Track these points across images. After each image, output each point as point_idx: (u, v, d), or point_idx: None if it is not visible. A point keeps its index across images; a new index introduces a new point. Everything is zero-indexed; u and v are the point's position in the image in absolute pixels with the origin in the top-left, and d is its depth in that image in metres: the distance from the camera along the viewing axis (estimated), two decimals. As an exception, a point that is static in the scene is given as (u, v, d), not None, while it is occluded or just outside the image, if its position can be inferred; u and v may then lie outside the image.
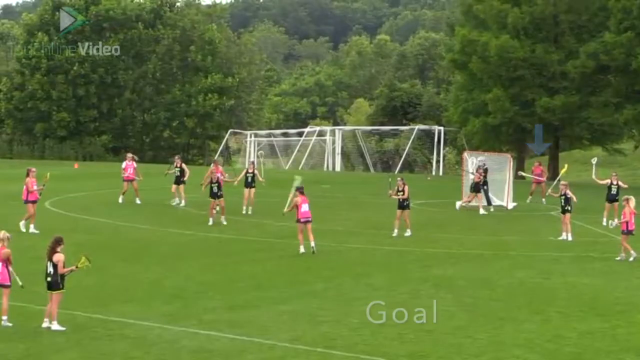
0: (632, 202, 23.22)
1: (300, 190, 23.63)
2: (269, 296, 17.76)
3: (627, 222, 22.95)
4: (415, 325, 15.36)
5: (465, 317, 16.15)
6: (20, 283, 15.18)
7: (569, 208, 26.28)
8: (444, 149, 69.50)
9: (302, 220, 23.23)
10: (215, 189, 29.01)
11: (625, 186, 30.93)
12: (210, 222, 28.72)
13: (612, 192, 29.89)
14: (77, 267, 14.99)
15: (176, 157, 35.28)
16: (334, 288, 18.78)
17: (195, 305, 16.77)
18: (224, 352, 13.57)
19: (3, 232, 15.17)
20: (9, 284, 15.00)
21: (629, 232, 23.14)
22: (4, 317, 14.85)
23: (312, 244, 23.23)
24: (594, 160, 35.50)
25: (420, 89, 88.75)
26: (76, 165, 61.54)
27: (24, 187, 26.16)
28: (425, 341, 14.35)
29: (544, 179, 39.21)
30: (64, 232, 25.65)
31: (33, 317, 15.47)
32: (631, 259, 22.98)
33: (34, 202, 26.19)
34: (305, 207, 23.26)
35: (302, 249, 23.23)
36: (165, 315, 15.84)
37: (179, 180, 33.22)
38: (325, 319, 15.78)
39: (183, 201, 33.16)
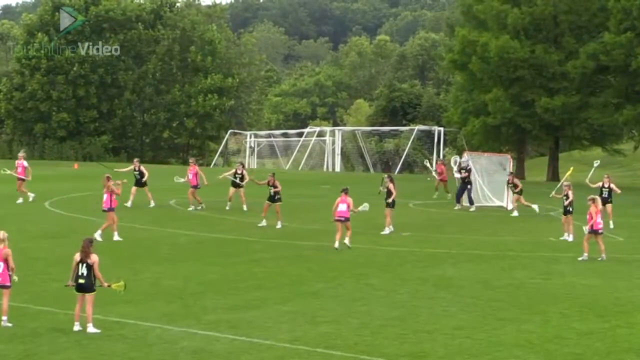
0: (598, 201, 23.29)
1: (344, 190, 24.65)
2: (269, 296, 17.75)
3: (592, 222, 23.07)
4: (415, 325, 15.37)
5: (465, 317, 16.15)
6: (15, 278, 15.09)
7: (571, 209, 26.32)
8: (443, 149, 69.52)
9: (335, 218, 24.28)
10: (272, 193, 28.88)
11: (618, 191, 30.93)
12: (264, 223, 28.73)
13: (604, 195, 30.21)
14: (109, 285, 14.88)
15: (135, 160, 35.44)
16: (334, 288, 18.78)
17: (195, 306, 16.76)
18: (224, 353, 13.55)
19: (2, 232, 15.12)
20: (9, 284, 14.96)
21: (594, 232, 23.24)
22: (4, 318, 14.82)
23: (346, 240, 24.17)
24: (596, 163, 35.60)
25: (420, 90, 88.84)
26: (76, 166, 61.57)
27: (107, 195, 24.94)
28: (425, 341, 14.35)
29: (443, 177, 39.86)
30: (64, 232, 25.80)
31: (33, 317, 15.46)
32: (581, 257, 23.14)
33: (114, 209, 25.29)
34: (341, 207, 24.25)
35: (336, 244, 24.03)
36: (165, 316, 15.82)
37: (139, 183, 33.36)
38: (325, 319, 15.78)
39: (152, 202, 33.21)
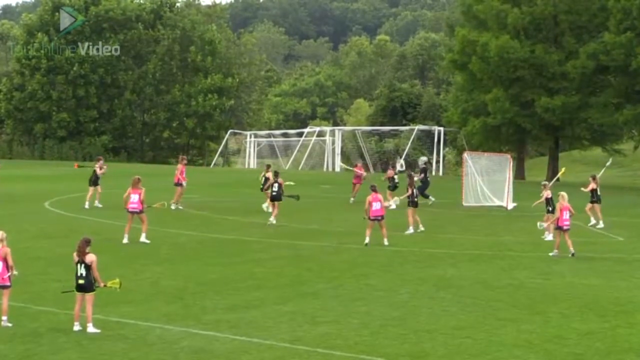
0: (565, 197, 23.56)
1: (373, 188, 25.26)
2: (269, 296, 17.75)
3: (557, 218, 23.47)
4: (415, 325, 15.37)
5: (465, 317, 16.15)
6: (15, 272, 15.06)
7: (550, 209, 26.47)
8: (443, 149, 69.51)
9: (371, 217, 24.75)
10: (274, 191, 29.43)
11: (586, 190, 31.27)
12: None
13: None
14: (105, 285, 14.86)
15: (101, 160, 35.14)
16: (334, 288, 18.77)
17: (195, 305, 16.75)
18: (224, 353, 13.55)
19: (1, 232, 15.10)
20: (9, 284, 14.95)
21: (558, 228, 23.61)
22: (4, 318, 14.82)
23: (385, 241, 24.66)
24: (609, 162, 36.00)
25: (420, 90, 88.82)
26: (76, 166, 61.57)
27: (137, 196, 24.56)
28: (425, 341, 14.34)
29: (358, 180, 38.15)
30: (64, 232, 25.80)
31: (33, 317, 15.46)
32: (551, 253, 23.59)
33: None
34: (375, 206, 24.78)
35: (367, 240, 24.65)
36: (165, 316, 15.82)
37: (98, 182, 33.02)
38: (325, 319, 15.77)
39: (98, 203, 32.91)
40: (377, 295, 18.09)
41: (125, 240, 24.36)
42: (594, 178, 31.27)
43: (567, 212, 23.43)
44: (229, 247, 24.69)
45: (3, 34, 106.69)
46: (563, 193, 23.78)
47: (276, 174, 30.22)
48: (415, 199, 28.14)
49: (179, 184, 33.02)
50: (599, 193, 30.77)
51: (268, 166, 32.43)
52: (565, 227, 23.50)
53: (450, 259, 23.14)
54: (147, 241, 24.38)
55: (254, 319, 15.74)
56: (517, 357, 13.59)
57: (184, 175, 33.00)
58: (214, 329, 14.89)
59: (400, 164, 40.26)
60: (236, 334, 14.57)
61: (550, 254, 23.66)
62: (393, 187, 35.53)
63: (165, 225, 28.58)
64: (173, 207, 32.39)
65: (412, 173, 32.28)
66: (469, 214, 34.64)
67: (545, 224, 25.26)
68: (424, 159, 40.57)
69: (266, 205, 31.50)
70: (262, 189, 32.74)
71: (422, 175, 37.31)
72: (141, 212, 24.67)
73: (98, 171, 33.15)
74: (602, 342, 14.52)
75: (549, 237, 26.28)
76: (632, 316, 16.50)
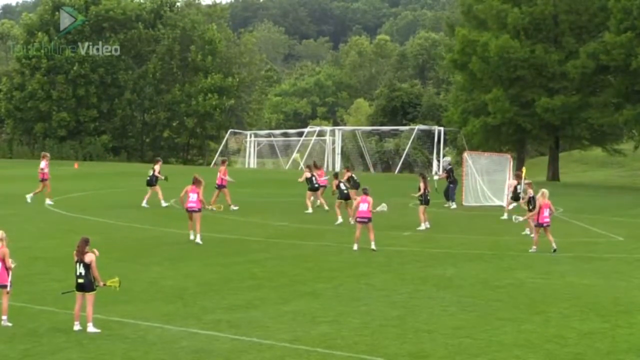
0: (546, 195, 23.91)
1: (364, 190, 24.55)
2: (269, 296, 17.75)
3: (537, 215, 23.93)
4: (415, 325, 15.37)
5: (465, 317, 16.15)
6: (14, 264, 15.02)
7: (531, 207, 26.63)
8: (444, 149, 69.49)
9: (358, 219, 24.06)
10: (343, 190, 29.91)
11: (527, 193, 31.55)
12: (340, 221, 29.44)
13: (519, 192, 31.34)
14: (104, 284, 14.84)
15: (160, 160, 35.66)
16: (334, 288, 18.78)
17: (195, 305, 16.76)
18: (224, 352, 13.55)
19: (1, 231, 15.08)
20: (8, 284, 14.93)
21: (539, 225, 24.07)
22: (4, 317, 14.82)
23: (372, 245, 23.82)
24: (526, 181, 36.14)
25: (420, 89, 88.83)
26: (76, 166, 61.60)
27: (196, 195, 24.88)
28: (425, 341, 14.35)
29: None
30: (64, 232, 25.82)
31: (33, 317, 15.46)
32: (531, 249, 24.09)
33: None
34: (362, 207, 23.97)
35: (355, 247, 23.86)
36: (165, 315, 15.82)
37: (155, 182, 33.63)
38: (325, 319, 15.77)
39: (145, 202, 33.55)
40: (377, 295, 18.09)
41: (191, 237, 24.61)
42: (518, 176, 31.73)
43: (547, 209, 23.93)
44: (229, 247, 24.69)
45: (3, 33, 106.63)
46: (544, 190, 24.15)
47: (336, 175, 31.00)
48: (428, 197, 28.54)
49: (222, 186, 32.97)
50: (519, 191, 31.06)
51: (336, 174, 32.38)
52: (545, 224, 24.02)
53: (450, 259, 23.14)
54: (200, 242, 24.43)
55: (254, 319, 15.75)
56: (517, 357, 13.59)
57: (227, 176, 33.05)
58: (214, 329, 14.89)
59: (445, 162, 40.07)
60: (236, 334, 14.57)
61: (530, 250, 24.11)
62: (312, 187, 33.83)
63: (165, 225, 28.59)
64: (235, 207, 32.61)
65: (424, 173, 32.44)
66: (469, 214, 34.65)
67: (521, 218, 25.53)
68: (448, 159, 40.85)
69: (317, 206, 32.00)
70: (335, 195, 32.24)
71: (446, 174, 37.40)
72: (199, 210, 24.79)
73: (156, 172, 33.55)
74: (602, 342, 14.52)
75: (527, 231, 26.62)
76: (632, 316, 16.51)
